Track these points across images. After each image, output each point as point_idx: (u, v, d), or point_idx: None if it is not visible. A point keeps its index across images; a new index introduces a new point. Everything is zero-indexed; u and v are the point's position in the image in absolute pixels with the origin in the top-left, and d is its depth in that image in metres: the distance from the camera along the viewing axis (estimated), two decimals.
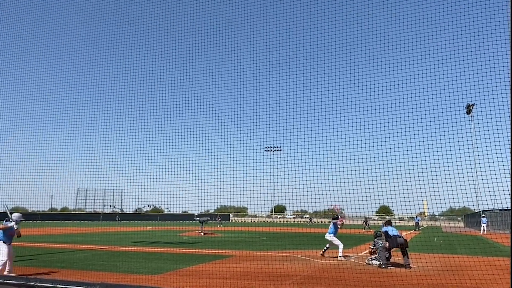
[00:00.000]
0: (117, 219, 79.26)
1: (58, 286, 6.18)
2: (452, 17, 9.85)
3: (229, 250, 17.94)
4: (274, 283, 9.67)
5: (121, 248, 19.41)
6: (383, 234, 14.24)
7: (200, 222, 33.09)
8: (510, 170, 5.77)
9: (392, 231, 13.99)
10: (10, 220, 10.76)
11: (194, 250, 18.45)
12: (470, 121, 41.27)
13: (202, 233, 31.76)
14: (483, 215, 43.63)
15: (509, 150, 8.51)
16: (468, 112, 43.08)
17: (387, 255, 13.44)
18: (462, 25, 9.72)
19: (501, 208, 40.04)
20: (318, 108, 12.31)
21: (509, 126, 8.51)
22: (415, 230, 43.05)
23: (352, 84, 11.16)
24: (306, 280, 10.33)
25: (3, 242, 10.32)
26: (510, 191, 6.30)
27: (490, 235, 33.91)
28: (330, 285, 9.52)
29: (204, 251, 18.04)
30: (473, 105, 40.45)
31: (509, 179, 8.40)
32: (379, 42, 10.89)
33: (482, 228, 39.73)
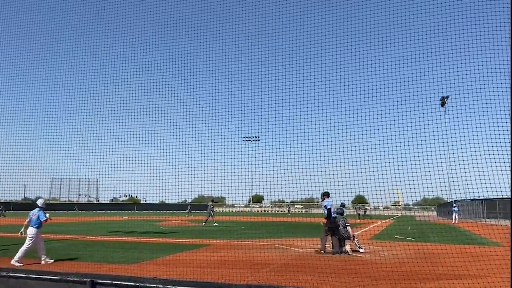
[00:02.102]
0: (74, 209, 72.16)
1: (31, 276, 6.08)
2: (427, 6, 9.97)
3: (206, 239, 17.93)
4: (251, 271, 9.73)
5: (97, 237, 19.17)
6: (326, 210, 13.50)
7: (209, 212, 32.65)
8: (510, 163, 5.91)
9: (333, 209, 13.49)
10: (38, 208, 11.50)
11: (171, 240, 18.38)
12: (445, 113, 42.10)
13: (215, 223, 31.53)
14: (454, 204, 44.88)
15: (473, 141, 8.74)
16: (443, 104, 43.88)
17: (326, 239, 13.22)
18: (438, 16, 9.86)
19: (472, 198, 41.25)
20: (296, 99, 12.34)
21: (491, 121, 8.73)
22: (359, 219, 43.34)
23: (329, 76, 11.20)
24: (283, 268, 10.44)
25: (36, 228, 11.28)
26: (510, 183, 6.46)
27: (462, 224, 34.90)
28: (306, 272, 9.64)
29: (181, 240, 17.99)
30: (447, 97, 41.25)
31: (474, 170, 8.66)
32: (353, 32, 10.94)
33: (454, 216, 40.84)
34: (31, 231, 11.27)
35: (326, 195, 13.64)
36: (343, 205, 14.19)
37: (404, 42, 10.22)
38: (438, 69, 9.88)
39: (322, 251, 13.28)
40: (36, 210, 11.48)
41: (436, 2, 9.70)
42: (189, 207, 57.69)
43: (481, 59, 8.93)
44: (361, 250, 13.60)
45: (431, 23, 9.95)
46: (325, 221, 13.76)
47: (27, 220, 11.51)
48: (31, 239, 11.13)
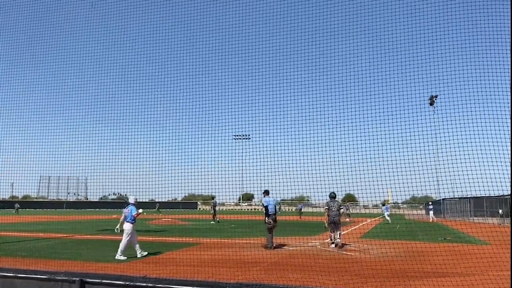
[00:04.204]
0: (16, 206, 59.96)
1: (19, 275, 6.02)
2: (418, 4, 10.02)
3: (197, 238, 17.90)
4: (241, 270, 9.74)
5: (86, 236, 19.03)
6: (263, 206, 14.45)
7: (212, 208, 32.66)
8: (510, 162, 5.97)
9: (271, 206, 14.28)
10: (130, 204, 12.52)
11: (161, 238, 18.32)
12: (433, 112, 42.44)
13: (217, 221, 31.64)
14: (430, 202, 45.46)
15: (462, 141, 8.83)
16: (431, 104, 44.27)
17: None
18: (427, 14, 9.92)
19: (459, 196, 41.75)
20: (288, 98, 12.33)
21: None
22: (300, 216, 43.69)
23: (319, 74, 11.21)
24: (273, 266, 10.46)
25: (131, 223, 12.27)
26: (510, 181, 6.54)
27: (451, 223, 35.26)
28: (296, 271, 9.68)
29: (171, 239, 17.94)
30: (436, 96, 41.68)
31: (462, 169, 8.75)
32: (344, 29, 10.95)
33: (431, 215, 41.31)
34: (127, 226, 12.22)
35: (266, 193, 14.44)
36: (333, 194, 14.66)
37: (390, 38, 10.26)
38: (427, 68, 9.94)
39: (268, 246, 13.92)
40: (129, 207, 12.49)
41: None
42: (157, 205, 56.21)
43: (469, 56, 9.01)
44: (332, 245, 14.42)
45: (420, 19, 10.02)
46: (326, 218, 14.81)
47: (122, 217, 12.67)
48: (128, 233, 12.09)
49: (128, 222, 12.31)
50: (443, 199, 49.06)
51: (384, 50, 10.42)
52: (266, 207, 14.28)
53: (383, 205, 35.58)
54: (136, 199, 12.80)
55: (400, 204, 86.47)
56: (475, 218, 40.92)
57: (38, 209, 68.67)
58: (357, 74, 10.83)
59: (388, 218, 34.42)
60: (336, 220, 14.43)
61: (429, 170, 9.65)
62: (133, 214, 12.31)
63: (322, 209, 41.04)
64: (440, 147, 9.56)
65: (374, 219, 44.84)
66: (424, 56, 9.97)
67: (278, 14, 11.48)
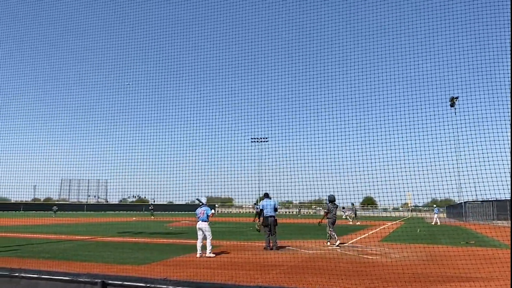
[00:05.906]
0: (54, 208, 61.25)
1: (43, 276, 6.12)
2: (438, 7, 9.89)
3: (215, 241, 17.91)
4: (261, 273, 9.71)
5: (107, 238, 19.28)
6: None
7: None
8: (510, 165, 5.85)
9: (267, 208, 14.66)
10: (204, 205, 13.21)
11: (180, 241, 18.42)
12: (454, 114, 41.70)
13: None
14: (435, 205, 44.54)
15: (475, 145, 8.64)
16: (452, 105, 43.48)
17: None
18: (448, 17, 9.77)
19: (482, 200, 40.87)
20: (306, 100, 12.29)
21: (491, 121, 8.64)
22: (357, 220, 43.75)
23: (338, 76, 11.14)
24: (292, 270, 10.40)
25: (207, 222, 12.99)
26: (510, 184, 6.40)
27: (474, 226, 34.51)
28: (316, 275, 9.60)
29: (190, 241, 17.99)
30: (456, 98, 40.89)
31: (484, 172, 8.57)
32: (364, 31, 10.88)
33: (434, 219, 40.18)
34: (204, 225, 12.89)
35: (265, 195, 14.96)
36: (332, 198, 15.68)
37: (411, 40, 10.15)
38: (447, 69, 9.79)
39: (265, 247, 14.52)
40: (203, 207, 13.19)
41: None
42: (151, 207, 54.95)
43: (491, 58, 8.84)
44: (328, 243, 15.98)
45: (439, 20, 9.88)
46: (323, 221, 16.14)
47: (197, 217, 13.17)
48: (209, 230, 12.78)
49: (203, 221, 12.93)
50: (464, 202, 48.15)
51: (406, 51, 10.30)
52: (261, 210, 14.83)
53: (343, 208, 42.54)
54: (207, 199, 13.51)
55: (420, 207, 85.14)
56: (498, 221, 40.01)
57: (59, 212, 69.83)
58: (377, 76, 10.74)
59: (349, 218, 42.29)
60: (335, 221, 15.98)
61: (451, 172, 9.49)
62: (209, 214, 13.08)
63: (343, 213, 43.62)
64: (462, 149, 9.38)
65: (393, 222, 44.25)
66: (445, 57, 9.83)
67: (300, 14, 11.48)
